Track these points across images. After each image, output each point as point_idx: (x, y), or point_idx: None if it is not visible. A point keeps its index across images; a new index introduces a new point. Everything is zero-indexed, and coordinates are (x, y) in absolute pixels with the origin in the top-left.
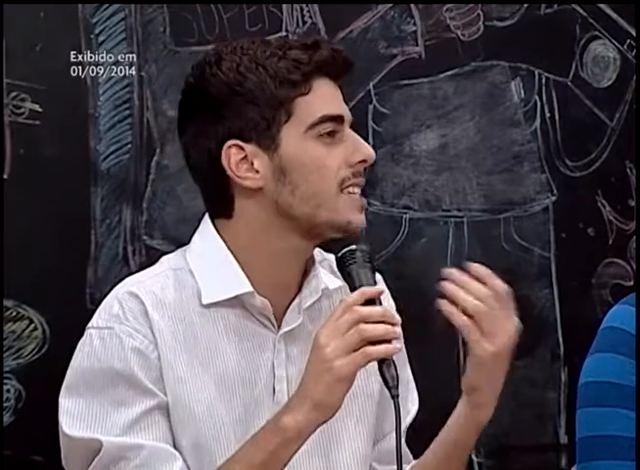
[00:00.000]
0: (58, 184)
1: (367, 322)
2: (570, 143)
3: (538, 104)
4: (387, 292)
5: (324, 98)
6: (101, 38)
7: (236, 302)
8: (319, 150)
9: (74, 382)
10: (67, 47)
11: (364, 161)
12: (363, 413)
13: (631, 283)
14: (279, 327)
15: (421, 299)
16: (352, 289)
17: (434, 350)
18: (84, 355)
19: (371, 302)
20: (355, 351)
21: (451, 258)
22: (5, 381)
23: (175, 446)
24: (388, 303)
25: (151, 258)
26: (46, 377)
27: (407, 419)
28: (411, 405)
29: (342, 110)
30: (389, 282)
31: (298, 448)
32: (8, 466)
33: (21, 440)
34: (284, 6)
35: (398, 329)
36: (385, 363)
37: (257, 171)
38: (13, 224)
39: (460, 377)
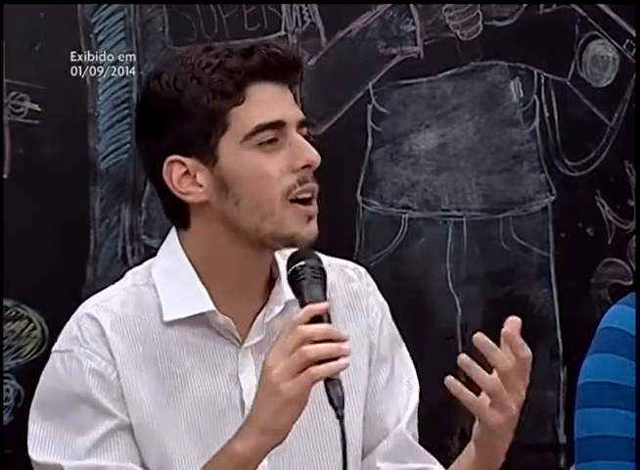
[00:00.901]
0: (57, 184)
1: (313, 341)
2: (569, 143)
3: (537, 104)
4: (388, 316)
5: (261, 105)
6: (100, 38)
7: (199, 319)
8: (257, 158)
9: (39, 405)
10: (66, 47)
11: (308, 166)
12: (352, 389)
13: (630, 283)
14: (244, 341)
15: (420, 298)
16: (302, 306)
17: (433, 349)
18: (47, 379)
19: (319, 318)
20: (301, 372)
21: (450, 257)
22: (4, 380)
23: (144, 465)
24: (387, 322)
25: (150, 258)
26: None
27: (410, 406)
28: (412, 394)
29: (282, 114)
30: (389, 282)
31: None
32: (8, 465)
33: (20, 439)
34: (283, 6)
35: (346, 345)
36: (330, 382)
37: (201, 185)
38: (12, 224)
39: (458, 376)
